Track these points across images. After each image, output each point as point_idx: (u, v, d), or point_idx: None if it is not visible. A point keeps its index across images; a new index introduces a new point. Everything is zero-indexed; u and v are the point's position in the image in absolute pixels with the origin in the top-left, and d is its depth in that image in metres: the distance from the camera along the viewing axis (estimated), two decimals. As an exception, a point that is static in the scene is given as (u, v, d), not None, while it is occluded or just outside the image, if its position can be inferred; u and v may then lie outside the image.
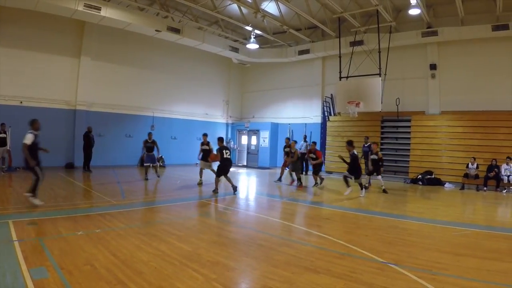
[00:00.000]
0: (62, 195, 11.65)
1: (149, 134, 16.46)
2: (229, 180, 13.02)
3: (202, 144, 15.10)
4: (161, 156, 22.46)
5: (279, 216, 9.75)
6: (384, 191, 14.31)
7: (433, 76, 19.50)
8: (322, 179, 16.24)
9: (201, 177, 15.25)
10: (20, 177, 15.09)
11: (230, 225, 7.81)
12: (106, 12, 17.87)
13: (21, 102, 18.45)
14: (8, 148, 16.32)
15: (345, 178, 13.39)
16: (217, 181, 12.93)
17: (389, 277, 5.13)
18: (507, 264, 5.87)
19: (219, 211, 10.47)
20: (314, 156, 16.24)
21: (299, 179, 15.68)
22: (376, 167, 14.78)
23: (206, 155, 14.97)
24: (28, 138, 8.84)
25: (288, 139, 18.05)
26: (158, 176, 16.42)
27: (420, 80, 20.01)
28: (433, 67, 19.46)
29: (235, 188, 12.96)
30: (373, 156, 14.83)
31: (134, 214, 9.39)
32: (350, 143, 13.41)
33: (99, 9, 17.55)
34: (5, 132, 16.14)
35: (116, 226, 7.84)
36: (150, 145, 16.01)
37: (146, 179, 15.78)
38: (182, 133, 24.63)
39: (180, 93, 25.29)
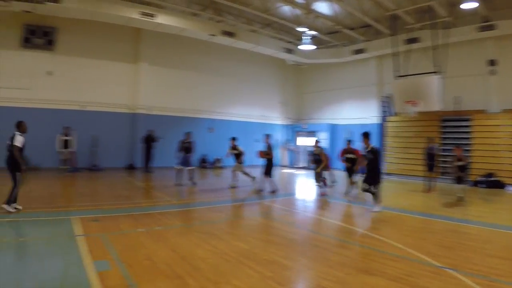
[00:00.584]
0: (124, 195, 12.03)
1: (187, 134, 14.89)
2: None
3: (233, 148, 14.58)
4: (219, 157, 22.93)
5: (336, 218, 9.54)
6: (460, 199, 12.29)
7: (492, 72, 18.32)
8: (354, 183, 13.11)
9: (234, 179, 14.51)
10: (83, 177, 15.81)
11: (287, 226, 7.69)
12: (161, 19, 18.35)
13: (83, 107, 19.32)
14: (71, 150, 17.07)
15: (367, 191, 10.25)
16: (271, 181, 12.82)
17: (445, 282, 4.89)
18: None
19: (276, 211, 10.40)
20: (353, 156, 13.00)
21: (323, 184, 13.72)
22: (462, 174, 12.59)
23: (237, 158, 14.52)
24: (19, 141, 8.43)
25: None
26: (194, 183, 14.55)
27: (479, 77, 18.82)
28: (492, 63, 18.29)
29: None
30: (460, 163, 12.63)
31: (193, 213, 9.54)
32: (366, 135, 10.32)
33: (154, 16, 18.05)
34: (69, 135, 16.86)
35: (175, 224, 8.00)
36: (187, 146, 14.67)
37: (179, 185, 14.05)
38: (240, 135, 24.67)
39: (236, 95, 25.47)
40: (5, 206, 8.13)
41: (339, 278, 4.94)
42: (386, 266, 5.46)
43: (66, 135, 16.83)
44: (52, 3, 15.00)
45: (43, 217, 8.14)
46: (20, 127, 8.61)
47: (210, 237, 6.84)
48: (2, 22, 13.51)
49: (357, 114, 24.09)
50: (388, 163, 20.76)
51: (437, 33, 17.52)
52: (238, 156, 14.47)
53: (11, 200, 8.26)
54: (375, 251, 6.34)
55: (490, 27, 17.42)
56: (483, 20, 17.65)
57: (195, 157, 15.60)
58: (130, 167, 20.19)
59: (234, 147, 14.57)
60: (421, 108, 17.40)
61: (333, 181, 15.34)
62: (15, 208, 8.27)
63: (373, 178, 9.95)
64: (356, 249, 6.47)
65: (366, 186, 9.96)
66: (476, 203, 12.75)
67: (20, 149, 8.33)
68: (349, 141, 13.89)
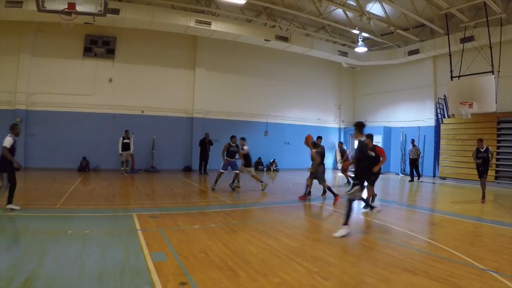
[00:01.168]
0: (181, 194, 12.62)
1: (233, 138, 14.12)
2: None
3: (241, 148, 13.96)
4: (274, 160, 23.33)
5: (386, 220, 9.43)
6: None
7: None
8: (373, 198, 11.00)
9: (238, 181, 14.15)
10: (141, 177, 16.59)
11: (336, 226, 7.70)
12: (216, 26, 18.93)
13: (142, 112, 20.29)
14: (131, 153, 17.95)
15: (365, 202, 9.75)
16: (327, 186, 12.03)
17: (486, 284, 4.82)
18: None
19: (327, 213, 10.46)
20: (374, 155, 10.46)
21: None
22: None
23: (246, 160, 13.93)
24: (7, 141, 8.56)
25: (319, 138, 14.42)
26: (234, 189, 13.78)
27: None
28: None
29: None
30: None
31: (246, 213, 9.78)
32: (360, 125, 8.27)
33: (209, 24, 18.67)
34: (128, 138, 17.78)
35: (229, 222, 8.26)
36: (233, 149, 13.92)
37: (213, 189, 13.42)
38: (295, 138, 24.72)
39: (291, 98, 25.59)
40: (10, 206, 8.36)
41: (382, 276, 4.97)
42: (430, 266, 5.42)
43: (126, 138, 17.64)
44: (112, 15, 15.78)
45: (104, 213, 8.71)
46: (13, 129, 8.87)
47: (262, 235, 7.03)
48: (65, 34, 14.53)
49: (412, 116, 23.49)
50: (443, 167, 20.19)
51: (493, 30, 16.80)
52: (247, 157, 13.95)
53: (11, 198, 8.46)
54: (422, 252, 6.30)
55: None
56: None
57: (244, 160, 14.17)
58: (187, 169, 20.84)
59: (235, 145, 13.98)
60: (476, 109, 16.80)
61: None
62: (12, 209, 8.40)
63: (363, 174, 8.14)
64: (403, 249, 6.41)
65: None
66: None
67: (9, 149, 8.47)
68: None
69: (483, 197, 12.29)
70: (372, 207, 9.72)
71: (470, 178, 17.70)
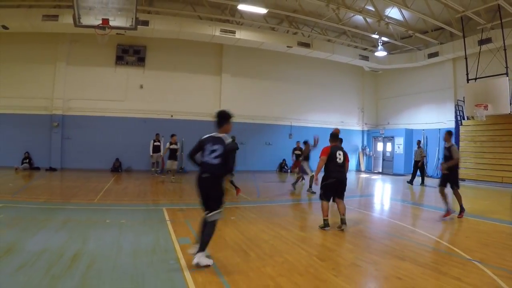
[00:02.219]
0: None
1: (298, 143, 15.85)
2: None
3: (171, 143, 16.38)
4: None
5: (394, 217, 10.10)
6: None
7: None
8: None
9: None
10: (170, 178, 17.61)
11: (348, 222, 8.37)
12: (240, 35, 20.00)
13: (171, 116, 21.57)
14: (161, 154, 19.05)
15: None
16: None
17: (465, 271, 5.41)
18: None
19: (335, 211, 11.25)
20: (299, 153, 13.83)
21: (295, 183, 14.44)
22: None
23: (172, 154, 16.43)
24: None
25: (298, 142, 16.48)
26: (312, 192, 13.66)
27: None
28: None
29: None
30: None
31: (265, 209, 10.66)
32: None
33: (233, 32, 19.76)
34: (159, 141, 18.94)
35: (248, 216, 9.22)
36: (298, 153, 15.36)
37: (294, 190, 14.37)
38: (319, 141, 25.11)
39: (315, 102, 26.27)
40: None
41: (373, 260, 5.79)
42: (419, 255, 6.15)
43: (156, 141, 18.80)
44: (142, 26, 16.91)
45: (137, 207, 9.82)
46: None
47: (275, 226, 7.93)
48: (98, 43, 15.69)
49: (433, 118, 23.77)
50: (463, 169, 20.37)
51: (508, 32, 17.16)
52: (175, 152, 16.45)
53: None
54: (415, 243, 6.98)
55: None
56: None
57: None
58: (213, 170, 21.82)
59: (175, 143, 16.60)
60: (490, 111, 17.14)
61: None
62: None
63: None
64: (399, 241, 7.13)
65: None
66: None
67: None
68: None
69: (461, 210, 9.69)
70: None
71: (489, 180, 18.01)
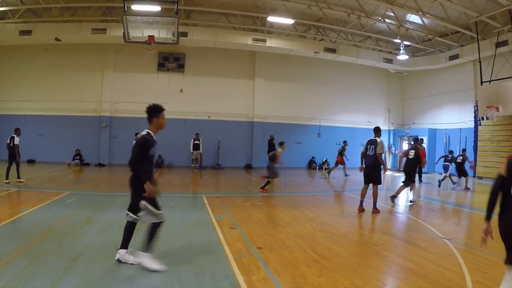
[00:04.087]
0: (240, 184, 15.96)
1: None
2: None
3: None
4: (326, 159, 25.52)
5: (415, 213, 11.69)
6: None
7: None
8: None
9: None
10: (208, 173, 20.03)
11: (351, 207, 10.11)
12: (271, 43, 21.91)
13: (209, 117, 23.75)
14: (200, 152, 21.27)
15: None
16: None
17: (431, 243, 6.82)
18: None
19: (348, 200, 12.82)
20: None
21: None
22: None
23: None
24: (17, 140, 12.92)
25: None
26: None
27: None
28: None
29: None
30: None
31: (287, 197, 12.51)
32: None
33: (264, 41, 21.71)
34: (198, 140, 21.11)
35: (272, 202, 11.26)
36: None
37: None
38: (347, 140, 25.98)
39: (342, 103, 27.55)
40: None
41: (361, 234, 7.73)
42: (400, 232, 7.99)
43: (196, 140, 20.94)
44: (181, 37, 18.68)
45: (182, 195, 11.98)
46: (16, 131, 13.11)
47: (293, 209, 9.78)
48: (142, 52, 17.60)
49: (455, 118, 24.58)
50: (480, 167, 21.22)
51: None
52: None
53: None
54: (403, 225, 8.74)
55: None
56: None
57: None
58: (248, 166, 23.91)
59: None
60: (501, 113, 17.98)
61: None
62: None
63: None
64: (390, 223, 9.00)
65: None
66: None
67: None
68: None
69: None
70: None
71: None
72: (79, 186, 13.33)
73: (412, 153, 11.76)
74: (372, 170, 9.78)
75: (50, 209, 8.66)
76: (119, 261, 5.14)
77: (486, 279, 4.95)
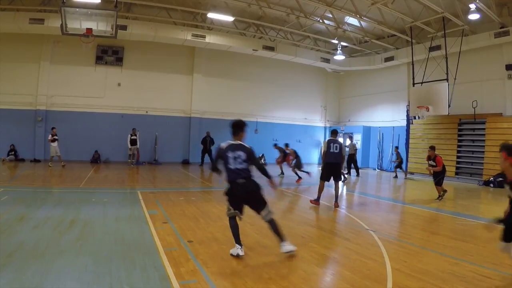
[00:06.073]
0: (175, 180, 16.04)
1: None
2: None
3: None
4: (263, 155, 25.99)
5: (345, 207, 11.85)
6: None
7: (510, 77, 19.10)
8: (444, 191, 12.86)
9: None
10: (145, 168, 20.01)
11: (284, 201, 10.65)
12: (210, 39, 22.13)
13: (146, 112, 23.60)
14: (137, 147, 21.09)
15: None
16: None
17: (356, 235, 7.46)
18: (467, 244, 6.91)
19: (281, 195, 13.53)
20: (434, 164, 12.72)
21: None
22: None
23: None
24: None
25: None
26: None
27: (497, 82, 19.66)
28: (509, 67, 18.99)
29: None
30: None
31: (220, 192, 12.84)
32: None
33: (204, 37, 21.86)
34: (135, 135, 20.91)
35: (206, 197, 11.60)
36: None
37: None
38: (283, 136, 26.44)
39: (280, 100, 28.19)
40: None
41: (291, 228, 8.17)
42: (330, 226, 8.58)
43: (133, 135, 20.80)
44: (120, 30, 18.43)
45: (117, 191, 12.04)
46: None
47: (221, 204, 10.07)
48: (79, 44, 17.16)
49: (389, 117, 25.83)
50: (412, 163, 22.41)
51: (455, 41, 19.01)
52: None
53: None
54: (339, 222, 9.21)
55: (505, 33, 18.27)
56: (500, 26, 18.58)
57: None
58: (185, 162, 24.03)
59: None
60: (431, 112, 19.10)
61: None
62: None
63: None
64: (322, 216, 9.61)
65: None
66: (463, 198, 14.11)
67: None
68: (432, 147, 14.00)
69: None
70: None
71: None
72: (13, 182, 12.98)
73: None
74: (336, 167, 10.64)
75: (-18, 207, 8.53)
76: (289, 252, 5.84)
77: (405, 267, 5.47)
